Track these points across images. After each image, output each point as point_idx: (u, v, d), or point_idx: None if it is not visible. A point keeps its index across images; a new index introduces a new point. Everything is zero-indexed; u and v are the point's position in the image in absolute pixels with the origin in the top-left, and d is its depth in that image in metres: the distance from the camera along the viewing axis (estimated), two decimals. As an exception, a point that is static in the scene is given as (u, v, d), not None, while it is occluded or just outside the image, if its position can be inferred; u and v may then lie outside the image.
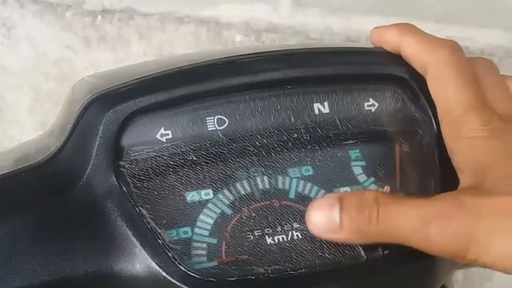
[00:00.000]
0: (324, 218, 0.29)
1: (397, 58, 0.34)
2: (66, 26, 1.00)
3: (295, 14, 0.83)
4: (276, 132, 0.32)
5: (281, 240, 0.30)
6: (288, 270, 0.30)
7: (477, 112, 0.30)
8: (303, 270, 0.30)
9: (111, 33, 0.97)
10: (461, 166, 0.30)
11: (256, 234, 0.30)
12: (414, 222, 0.28)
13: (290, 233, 0.31)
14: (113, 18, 0.96)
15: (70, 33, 1.00)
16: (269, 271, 0.29)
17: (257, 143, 0.32)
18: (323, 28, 0.82)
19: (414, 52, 0.33)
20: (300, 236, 0.31)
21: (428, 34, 0.33)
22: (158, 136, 0.31)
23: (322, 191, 0.32)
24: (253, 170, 0.32)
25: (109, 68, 1.10)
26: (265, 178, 0.32)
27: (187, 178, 0.31)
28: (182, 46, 0.91)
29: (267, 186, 0.32)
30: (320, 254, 0.30)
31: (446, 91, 0.31)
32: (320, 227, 0.29)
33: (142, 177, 0.31)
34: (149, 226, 0.29)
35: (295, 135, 0.32)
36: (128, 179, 0.30)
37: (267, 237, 0.30)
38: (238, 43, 0.84)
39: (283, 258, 0.30)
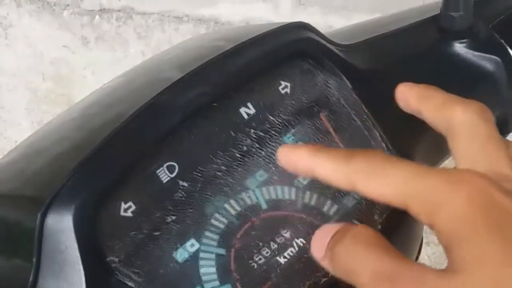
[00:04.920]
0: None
1: (289, 34, 0.34)
2: (64, 26, 0.99)
3: (296, 13, 0.83)
4: (227, 153, 0.31)
5: (291, 254, 0.29)
6: (322, 278, 0.29)
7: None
8: None
9: (109, 33, 0.96)
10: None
11: (256, 259, 0.29)
12: (368, 273, 0.25)
13: (293, 243, 0.30)
14: (111, 17, 0.95)
15: (67, 32, 0.99)
16: None
17: (218, 173, 0.30)
18: (324, 27, 0.80)
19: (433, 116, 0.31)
20: (305, 242, 0.30)
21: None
22: (122, 213, 0.28)
23: (285, 188, 0.31)
24: (217, 200, 0.30)
25: (108, 68, 1.08)
26: (232, 202, 0.30)
27: (168, 239, 0.28)
28: (181, 46, 0.91)
29: (239, 209, 0.30)
30: None
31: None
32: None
33: (139, 263, 0.27)
34: None
35: (244, 147, 0.31)
36: (127, 272, 0.27)
37: (277, 257, 0.29)
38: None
39: (310, 270, 0.29)
